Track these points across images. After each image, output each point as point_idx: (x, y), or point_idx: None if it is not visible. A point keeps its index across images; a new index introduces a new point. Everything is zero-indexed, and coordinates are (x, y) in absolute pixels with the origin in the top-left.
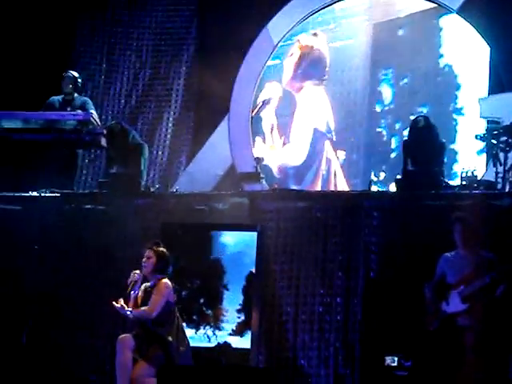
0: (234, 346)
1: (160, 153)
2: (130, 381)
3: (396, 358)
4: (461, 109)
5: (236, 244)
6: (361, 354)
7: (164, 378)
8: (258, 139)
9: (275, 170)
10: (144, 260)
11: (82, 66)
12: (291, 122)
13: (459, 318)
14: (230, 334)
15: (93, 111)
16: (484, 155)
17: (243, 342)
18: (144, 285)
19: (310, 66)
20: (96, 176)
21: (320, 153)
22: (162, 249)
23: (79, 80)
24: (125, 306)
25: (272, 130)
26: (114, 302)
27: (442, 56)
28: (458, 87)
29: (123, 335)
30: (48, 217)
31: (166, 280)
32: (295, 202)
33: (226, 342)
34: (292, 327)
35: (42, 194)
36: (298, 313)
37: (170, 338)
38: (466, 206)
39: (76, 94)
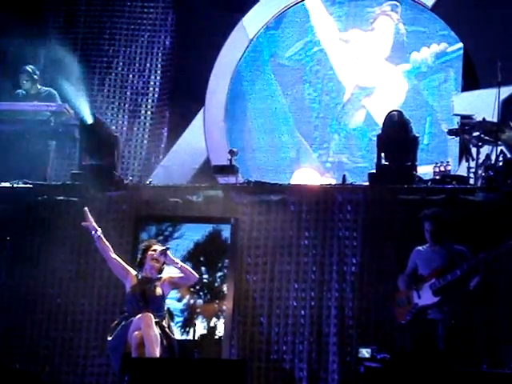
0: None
1: (139, 147)
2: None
3: (369, 350)
4: None
5: None
6: (335, 348)
7: (135, 371)
8: None
9: None
10: (154, 261)
11: (55, 51)
12: None
13: (430, 310)
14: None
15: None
16: None
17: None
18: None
19: None
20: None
21: None
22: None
23: (36, 72)
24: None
25: None
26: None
27: None
28: None
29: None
30: (20, 208)
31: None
32: (269, 195)
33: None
34: (266, 321)
35: (15, 185)
36: (272, 307)
37: (164, 323)
38: (438, 201)
39: (39, 86)
